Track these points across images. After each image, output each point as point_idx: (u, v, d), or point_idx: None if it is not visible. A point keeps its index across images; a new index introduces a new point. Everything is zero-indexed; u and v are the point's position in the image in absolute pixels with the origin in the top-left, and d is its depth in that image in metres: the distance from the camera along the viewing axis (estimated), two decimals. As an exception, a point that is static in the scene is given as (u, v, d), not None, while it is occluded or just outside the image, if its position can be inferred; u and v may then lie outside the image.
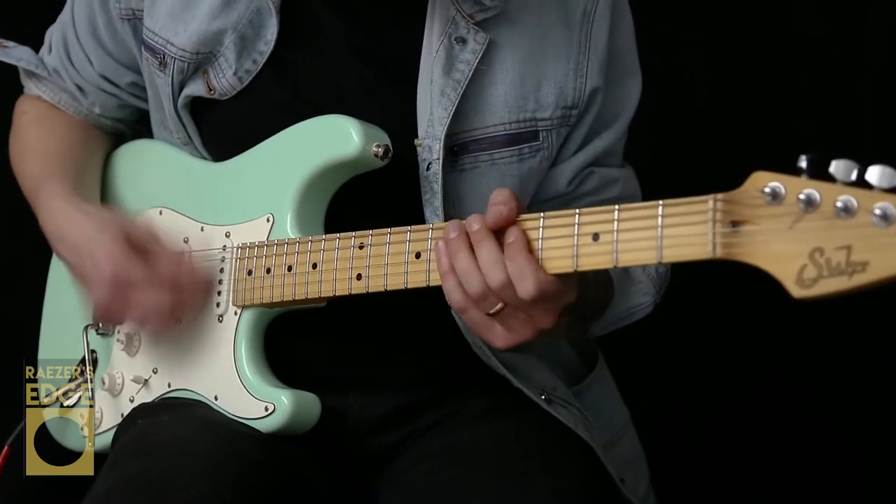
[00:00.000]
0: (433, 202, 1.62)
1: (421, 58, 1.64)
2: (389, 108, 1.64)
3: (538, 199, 1.71)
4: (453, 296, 1.41)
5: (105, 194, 1.84)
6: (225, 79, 1.68)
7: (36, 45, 1.92)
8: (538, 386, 1.69)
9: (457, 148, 1.63)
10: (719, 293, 2.36)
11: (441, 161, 1.61)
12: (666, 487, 1.93)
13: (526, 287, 1.36)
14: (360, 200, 1.64)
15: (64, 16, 1.87)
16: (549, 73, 1.66)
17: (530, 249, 1.37)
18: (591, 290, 1.52)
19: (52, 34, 1.90)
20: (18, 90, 1.94)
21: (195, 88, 1.70)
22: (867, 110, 2.35)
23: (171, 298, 1.60)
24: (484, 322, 1.42)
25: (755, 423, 2.47)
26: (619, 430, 1.83)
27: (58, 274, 1.88)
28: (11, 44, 1.92)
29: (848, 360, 2.39)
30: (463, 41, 1.63)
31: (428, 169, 1.62)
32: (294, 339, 1.67)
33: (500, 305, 1.39)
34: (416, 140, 1.62)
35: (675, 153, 2.38)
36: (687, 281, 1.85)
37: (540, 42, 1.66)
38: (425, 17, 1.65)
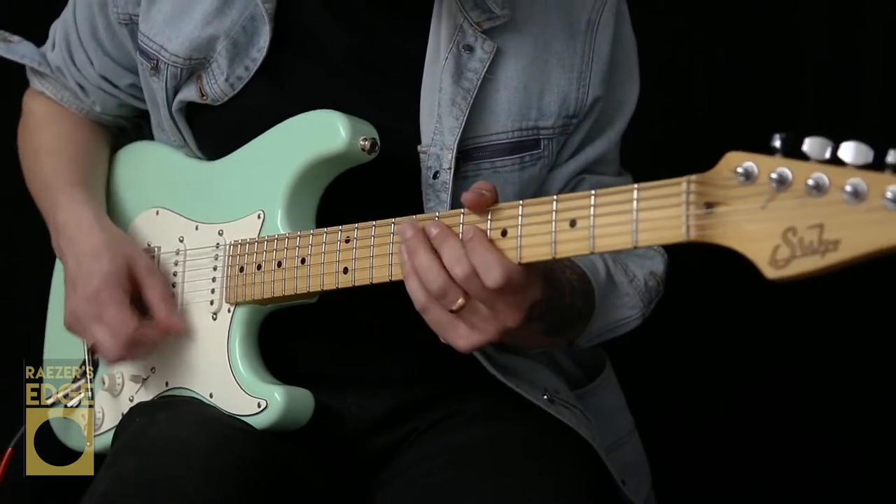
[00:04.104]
0: (438, 210, 1.60)
1: (424, 64, 1.64)
2: (390, 113, 1.63)
3: None
4: (416, 295, 1.40)
5: (106, 197, 1.85)
6: (217, 85, 1.68)
7: (40, 36, 1.94)
8: (540, 387, 1.68)
9: (460, 155, 1.62)
10: (722, 301, 2.35)
11: (452, 171, 1.60)
12: (667, 493, 1.92)
13: (493, 275, 1.34)
14: (360, 204, 1.63)
15: (66, 15, 1.89)
16: (552, 82, 1.65)
17: (490, 241, 1.36)
18: (565, 297, 1.51)
19: (56, 31, 1.91)
20: (20, 82, 1.97)
21: (188, 94, 1.71)
22: (866, 110, 2.33)
23: (119, 354, 1.65)
24: (446, 320, 1.40)
25: (758, 432, 2.45)
26: (623, 436, 1.81)
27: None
28: (16, 38, 1.94)
29: (850, 367, 2.37)
30: (470, 49, 1.62)
31: (435, 177, 1.61)
32: (293, 338, 1.67)
33: (461, 301, 1.37)
34: (419, 147, 1.61)
35: (673, 153, 2.36)
36: (690, 286, 1.84)
37: (544, 51, 1.65)
38: (429, 24, 1.64)
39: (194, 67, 1.70)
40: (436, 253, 1.38)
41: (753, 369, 2.43)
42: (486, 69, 1.62)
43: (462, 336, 1.40)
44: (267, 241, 1.60)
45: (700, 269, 1.72)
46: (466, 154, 1.63)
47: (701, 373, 2.45)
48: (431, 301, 1.39)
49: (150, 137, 1.86)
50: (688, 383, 2.46)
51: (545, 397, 1.66)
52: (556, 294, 1.47)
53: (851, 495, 2.36)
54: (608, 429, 1.75)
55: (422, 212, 1.61)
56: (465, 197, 1.38)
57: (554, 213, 1.33)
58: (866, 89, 2.32)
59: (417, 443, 1.68)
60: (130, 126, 1.95)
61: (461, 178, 1.63)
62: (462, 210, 1.41)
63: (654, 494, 1.82)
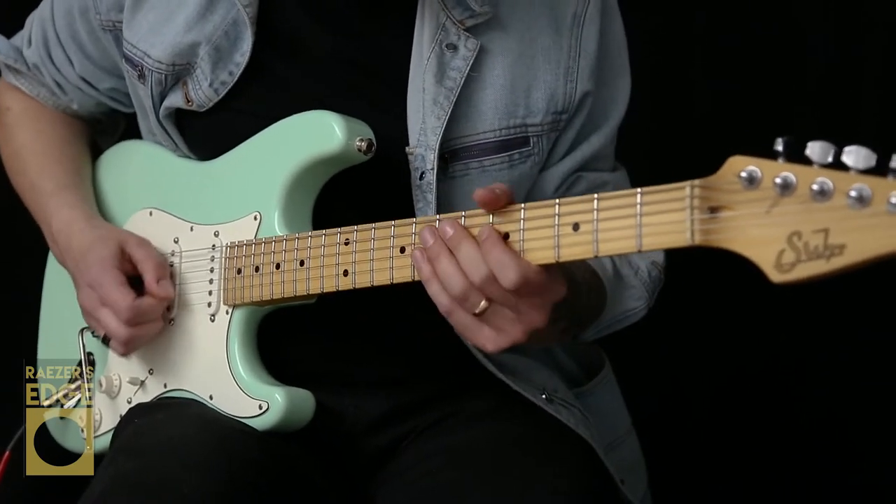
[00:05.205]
0: (426, 211, 1.61)
1: (410, 64, 1.63)
2: (378, 115, 1.63)
3: None
4: (439, 299, 1.40)
5: (97, 197, 1.85)
6: (201, 90, 1.68)
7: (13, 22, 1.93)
8: (539, 386, 1.68)
9: (447, 155, 1.62)
10: (719, 297, 2.35)
11: (435, 171, 1.60)
12: (663, 490, 1.92)
13: (508, 276, 1.34)
14: (354, 205, 1.63)
15: (44, 12, 1.87)
16: (539, 79, 1.65)
17: (505, 242, 1.36)
18: (583, 297, 1.51)
19: (32, 26, 1.89)
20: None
21: (175, 100, 1.70)
22: (866, 110, 2.33)
23: (126, 335, 1.65)
24: (471, 324, 1.40)
25: (755, 429, 2.45)
26: (621, 435, 1.82)
27: (54, 275, 1.89)
28: None
29: (850, 365, 2.37)
30: (454, 48, 1.62)
31: (421, 178, 1.61)
32: (290, 337, 1.67)
33: (484, 304, 1.37)
34: (407, 148, 1.61)
35: (670, 152, 2.36)
36: (686, 282, 1.84)
37: (530, 47, 1.65)
38: (413, 24, 1.64)
39: (179, 74, 1.69)
40: (454, 256, 1.38)
41: (750, 366, 2.43)
42: (469, 67, 1.61)
43: (489, 339, 1.39)
44: (264, 242, 1.60)
45: (696, 264, 1.71)
46: (454, 154, 1.63)
47: (697, 369, 2.45)
48: (455, 305, 1.39)
49: (129, 133, 1.87)
50: (684, 380, 2.46)
51: (543, 396, 1.66)
52: (576, 293, 1.47)
53: (849, 492, 2.37)
54: (606, 428, 1.75)
55: (412, 212, 1.61)
56: (477, 193, 1.38)
57: (556, 216, 1.33)
58: (867, 90, 2.32)
59: (416, 443, 1.68)
60: (107, 119, 1.95)
61: (449, 178, 1.63)
62: (462, 213, 1.41)
63: (650, 494, 1.83)
